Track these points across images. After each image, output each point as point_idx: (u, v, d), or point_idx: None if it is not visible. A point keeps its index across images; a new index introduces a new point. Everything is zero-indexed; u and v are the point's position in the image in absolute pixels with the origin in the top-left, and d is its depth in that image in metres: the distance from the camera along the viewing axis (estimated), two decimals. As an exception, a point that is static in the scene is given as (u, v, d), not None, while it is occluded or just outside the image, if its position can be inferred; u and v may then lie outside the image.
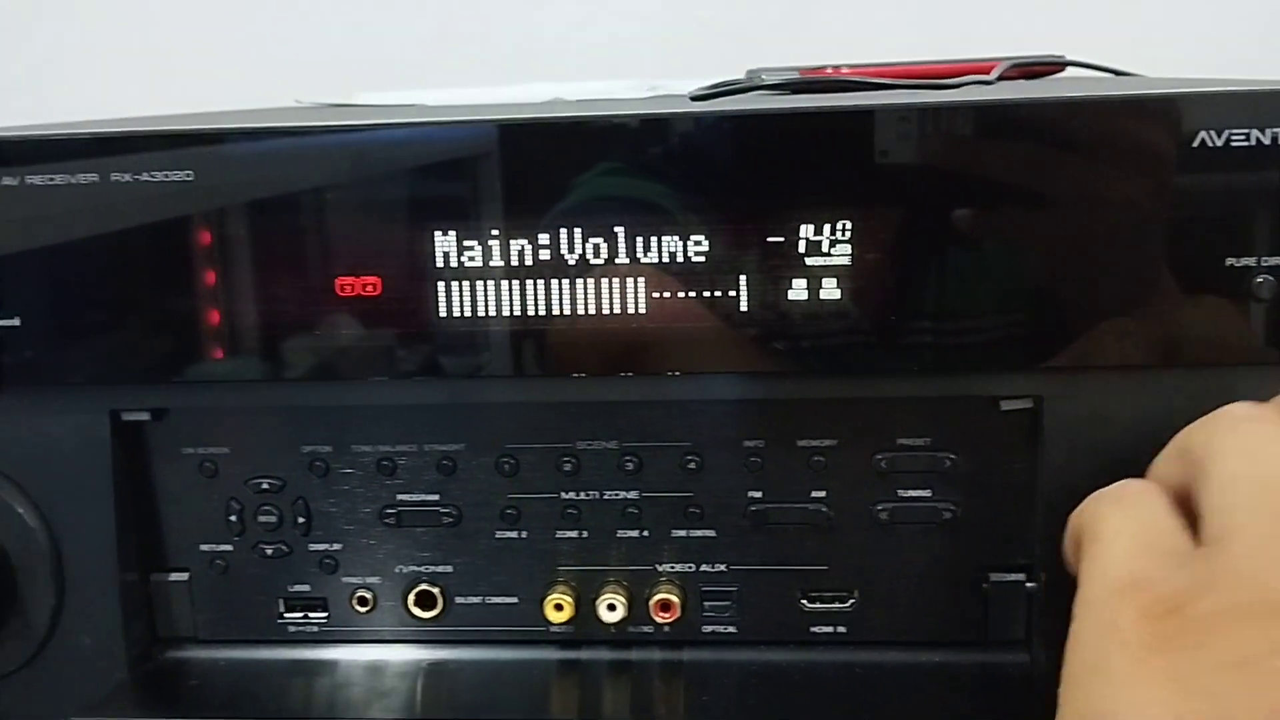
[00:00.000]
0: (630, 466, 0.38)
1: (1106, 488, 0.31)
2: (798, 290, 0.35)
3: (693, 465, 0.38)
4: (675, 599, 0.39)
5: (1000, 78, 0.60)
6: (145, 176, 0.36)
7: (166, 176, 0.36)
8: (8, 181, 0.36)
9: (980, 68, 0.65)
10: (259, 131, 0.36)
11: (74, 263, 0.36)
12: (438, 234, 0.35)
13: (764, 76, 0.64)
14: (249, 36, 1.18)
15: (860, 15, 1.24)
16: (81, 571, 0.39)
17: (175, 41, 1.14)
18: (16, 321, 0.37)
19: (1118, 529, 0.28)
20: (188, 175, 0.36)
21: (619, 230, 0.35)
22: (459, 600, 0.40)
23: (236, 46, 1.19)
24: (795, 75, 0.64)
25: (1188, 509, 0.28)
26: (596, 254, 0.35)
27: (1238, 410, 0.29)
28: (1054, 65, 0.70)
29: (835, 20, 1.24)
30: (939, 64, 0.66)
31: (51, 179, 0.36)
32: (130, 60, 1.14)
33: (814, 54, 1.18)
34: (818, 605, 0.39)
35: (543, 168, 0.35)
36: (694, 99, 0.58)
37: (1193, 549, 0.27)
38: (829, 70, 0.66)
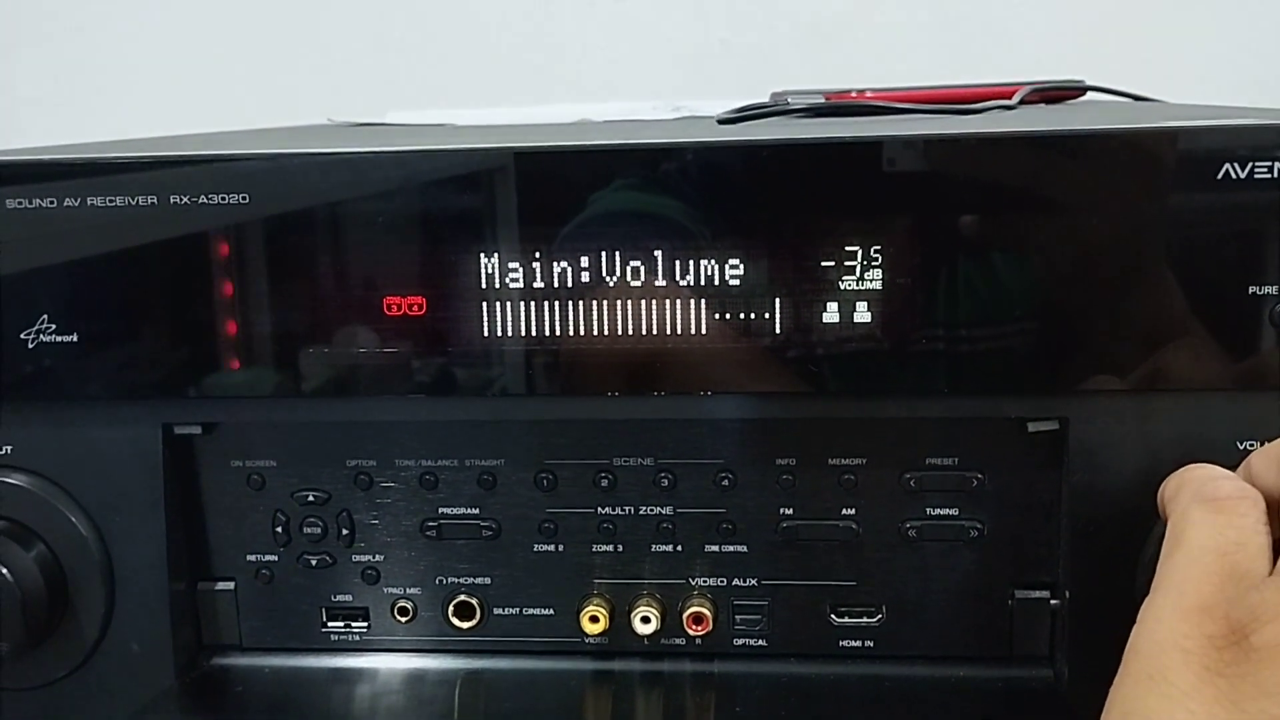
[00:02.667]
0: (665, 483, 0.39)
1: (1207, 475, 0.32)
2: (830, 313, 0.36)
3: (726, 482, 0.39)
4: (707, 612, 0.40)
5: (1022, 102, 0.61)
6: (203, 199, 0.37)
7: (223, 200, 0.37)
8: (69, 203, 0.37)
9: (1001, 92, 0.66)
10: (314, 156, 0.37)
11: (130, 282, 0.38)
12: (482, 256, 0.37)
13: (790, 100, 0.65)
14: (278, 55, 1.20)
15: (874, 37, 1.25)
16: (131, 580, 0.40)
17: (199, 60, 1.16)
18: (74, 338, 0.38)
19: (1203, 545, 0.29)
20: (244, 198, 0.37)
21: (658, 254, 0.36)
22: (497, 611, 0.41)
23: (266, 66, 1.21)
24: (820, 99, 0.65)
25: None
26: (635, 276, 0.36)
27: None
28: (1075, 90, 0.71)
29: (851, 42, 1.25)
30: (961, 88, 0.68)
31: (112, 200, 0.37)
32: (155, 78, 1.16)
33: (831, 74, 1.20)
34: (846, 620, 0.40)
35: (584, 192, 0.36)
36: (721, 122, 0.60)
37: (1266, 573, 0.28)
38: (853, 94, 0.67)
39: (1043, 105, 0.66)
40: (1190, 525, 0.30)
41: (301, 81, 1.18)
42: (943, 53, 1.26)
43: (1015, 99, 0.63)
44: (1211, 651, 0.27)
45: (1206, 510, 0.30)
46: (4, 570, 0.38)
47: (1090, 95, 0.72)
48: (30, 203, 0.37)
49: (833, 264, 0.36)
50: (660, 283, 0.36)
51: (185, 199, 0.37)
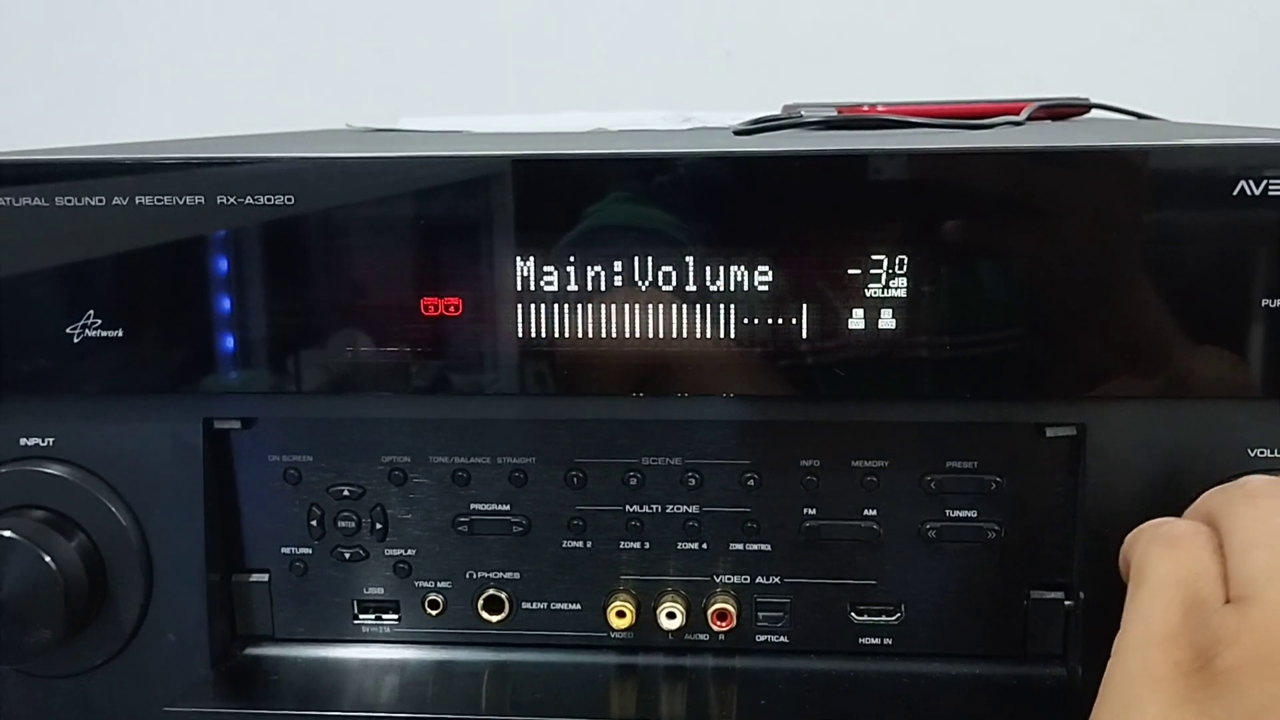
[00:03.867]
0: (692, 482, 0.41)
1: (1161, 522, 0.33)
2: (854, 320, 0.37)
3: (751, 482, 0.40)
4: (731, 609, 0.41)
5: (1030, 118, 0.63)
6: (249, 200, 0.38)
7: (269, 200, 0.38)
8: (118, 201, 0.38)
9: (1008, 108, 0.68)
10: (360, 159, 0.38)
11: (175, 279, 0.39)
12: (518, 259, 0.38)
13: (803, 112, 0.66)
14: (288, 60, 1.21)
15: (877, 50, 1.27)
16: (169, 570, 0.41)
17: (206, 66, 1.17)
18: (120, 333, 0.39)
19: (1164, 578, 0.31)
20: (289, 199, 0.38)
21: (689, 260, 0.37)
22: (525, 606, 0.42)
23: (277, 72, 1.22)
24: (833, 112, 0.67)
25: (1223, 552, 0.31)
26: (666, 281, 0.38)
27: (1255, 484, 0.33)
28: (1080, 107, 0.73)
29: (854, 54, 1.27)
30: (969, 104, 0.69)
31: (160, 200, 0.38)
32: (178, 79, 1.17)
33: (834, 85, 1.21)
34: (866, 618, 0.41)
35: (615, 200, 0.37)
36: (737, 134, 0.61)
37: (1223, 601, 0.30)
38: (865, 108, 0.69)
39: (1049, 121, 0.68)
40: (1150, 563, 0.32)
41: (308, 88, 1.19)
42: (943, 66, 1.28)
43: (1023, 115, 0.64)
44: (1180, 678, 0.29)
45: (1164, 547, 0.32)
46: (48, 559, 0.39)
47: (1094, 112, 0.73)
48: (79, 200, 0.38)
49: (857, 272, 0.37)
50: (691, 287, 0.37)
51: (232, 199, 0.38)
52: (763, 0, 1.29)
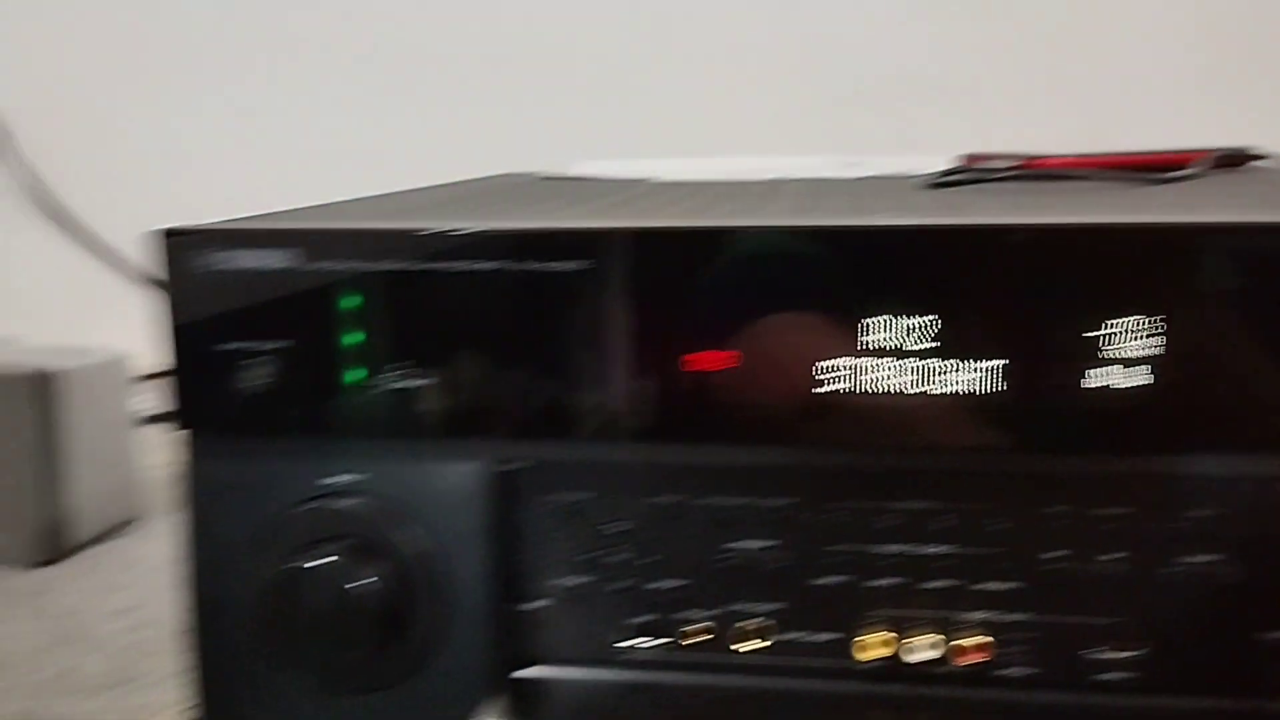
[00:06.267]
0: (945, 525, 0.44)
1: None
2: (1102, 379, 0.40)
3: (1002, 526, 0.44)
4: (979, 644, 0.44)
5: (1205, 169, 0.65)
6: (551, 265, 0.42)
7: (563, 266, 0.42)
8: (427, 267, 0.43)
9: (1179, 158, 0.71)
10: (647, 231, 0.42)
11: (478, 336, 0.43)
12: (787, 317, 0.41)
13: (988, 164, 0.69)
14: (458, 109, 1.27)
15: (999, 96, 1.30)
16: (460, 598, 0.45)
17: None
18: (427, 383, 0.44)
19: None
20: (589, 264, 0.42)
21: (944, 319, 0.41)
22: (781, 637, 0.45)
23: (449, 120, 1.28)
24: (1017, 164, 0.70)
25: None
26: (920, 340, 0.41)
27: None
28: (1248, 157, 0.75)
29: (975, 98, 1.29)
30: (1143, 154, 0.72)
31: (464, 265, 0.43)
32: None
33: (956, 128, 1.24)
34: (1109, 654, 0.44)
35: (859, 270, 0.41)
36: (929, 186, 0.64)
37: None
38: (1050, 160, 0.72)
39: (1222, 171, 0.70)
40: None
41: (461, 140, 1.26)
42: (1062, 114, 1.30)
43: (1199, 166, 0.67)
44: None
45: None
46: (358, 584, 0.43)
47: (1258, 163, 0.75)
48: (395, 265, 0.43)
49: (1110, 333, 0.40)
50: (940, 344, 0.41)
51: (536, 264, 0.42)
52: (881, 43, 1.32)
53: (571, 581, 0.46)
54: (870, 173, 0.81)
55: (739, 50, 1.34)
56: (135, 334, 1.22)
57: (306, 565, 0.43)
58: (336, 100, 1.38)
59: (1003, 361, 0.41)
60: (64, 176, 1.43)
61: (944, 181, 0.65)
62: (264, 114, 1.39)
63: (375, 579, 0.44)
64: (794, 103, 1.34)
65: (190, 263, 0.44)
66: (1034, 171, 0.67)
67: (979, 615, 0.44)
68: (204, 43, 1.40)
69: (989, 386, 0.41)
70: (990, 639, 0.44)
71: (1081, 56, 1.29)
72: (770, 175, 0.77)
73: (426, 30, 1.37)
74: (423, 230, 0.43)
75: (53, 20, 1.41)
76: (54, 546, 0.76)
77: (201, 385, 0.45)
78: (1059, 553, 0.43)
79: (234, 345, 0.44)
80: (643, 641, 0.46)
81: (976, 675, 0.44)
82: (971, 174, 0.66)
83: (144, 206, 1.41)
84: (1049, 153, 0.74)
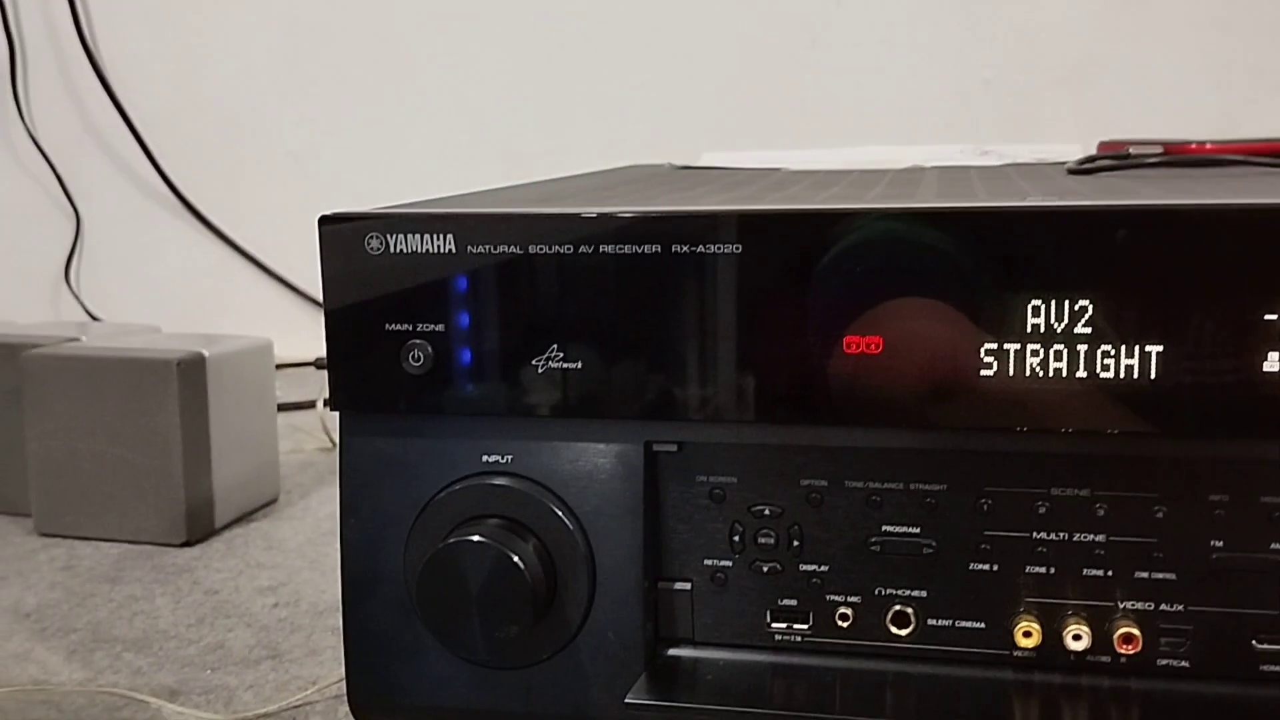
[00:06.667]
0: (1100, 513, 0.43)
1: None
2: (1271, 363, 0.39)
3: (1159, 515, 0.43)
4: (1136, 633, 0.43)
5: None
6: (701, 249, 0.43)
7: (720, 249, 0.43)
8: (584, 250, 0.44)
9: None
10: (802, 213, 0.42)
11: (630, 320, 0.44)
12: (934, 303, 0.41)
13: (1130, 150, 0.68)
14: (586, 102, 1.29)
15: (1136, 79, 1.27)
16: (609, 575, 0.46)
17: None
18: (579, 365, 0.44)
19: None
20: (737, 248, 0.43)
21: (1088, 304, 0.40)
22: (931, 622, 0.45)
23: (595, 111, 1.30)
24: (1159, 150, 0.68)
25: None
26: (1074, 322, 0.41)
27: None
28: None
29: (1112, 83, 1.27)
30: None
31: (621, 248, 0.43)
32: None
33: (1093, 115, 1.22)
34: (1268, 646, 0.43)
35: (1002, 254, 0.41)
36: (1071, 173, 0.63)
37: None
38: (1193, 146, 0.70)
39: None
40: None
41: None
42: (1206, 96, 1.27)
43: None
44: None
45: None
46: (516, 559, 0.44)
47: None
48: (549, 249, 0.44)
49: (1274, 318, 0.39)
50: (1100, 328, 0.40)
51: (686, 248, 0.43)
52: (1019, 30, 1.30)
53: (720, 562, 0.47)
54: (1005, 160, 0.80)
55: (872, 42, 1.33)
56: (264, 322, 1.26)
57: (469, 540, 0.44)
58: (449, 103, 1.41)
59: (1162, 346, 0.40)
60: (197, 177, 1.48)
61: (1087, 167, 0.64)
62: (377, 116, 1.43)
63: (532, 555, 0.45)
64: (928, 92, 1.32)
65: (348, 248, 0.46)
66: (1181, 157, 0.65)
67: (1134, 605, 0.44)
68: (324, 51, 1.43)
69: (1149, 371, 0.40)
70: (1145, 629, 0.43)
71: (1219, 43, 1.26)
72: (905, 164, 0.76)
73: (537, 25, 1.38)
74: (582, 214, 0.44)
75: (186, 38, 1.46)
76: (201, 526, 0.79)
77: (358, 366, 0.46)
78: (1219, 542, 0.42)
79: (390, 327, 0.46)
80: (790, 624, 0.46)
81: (1130, 665, 0.44)
82: (1114, 160, 0.65)
83: (269, 204, 1.46)
84: (1187, 139, 0.72)
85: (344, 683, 0.50)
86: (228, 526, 0.82)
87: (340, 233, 0.46)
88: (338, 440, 0.48)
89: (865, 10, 1.33)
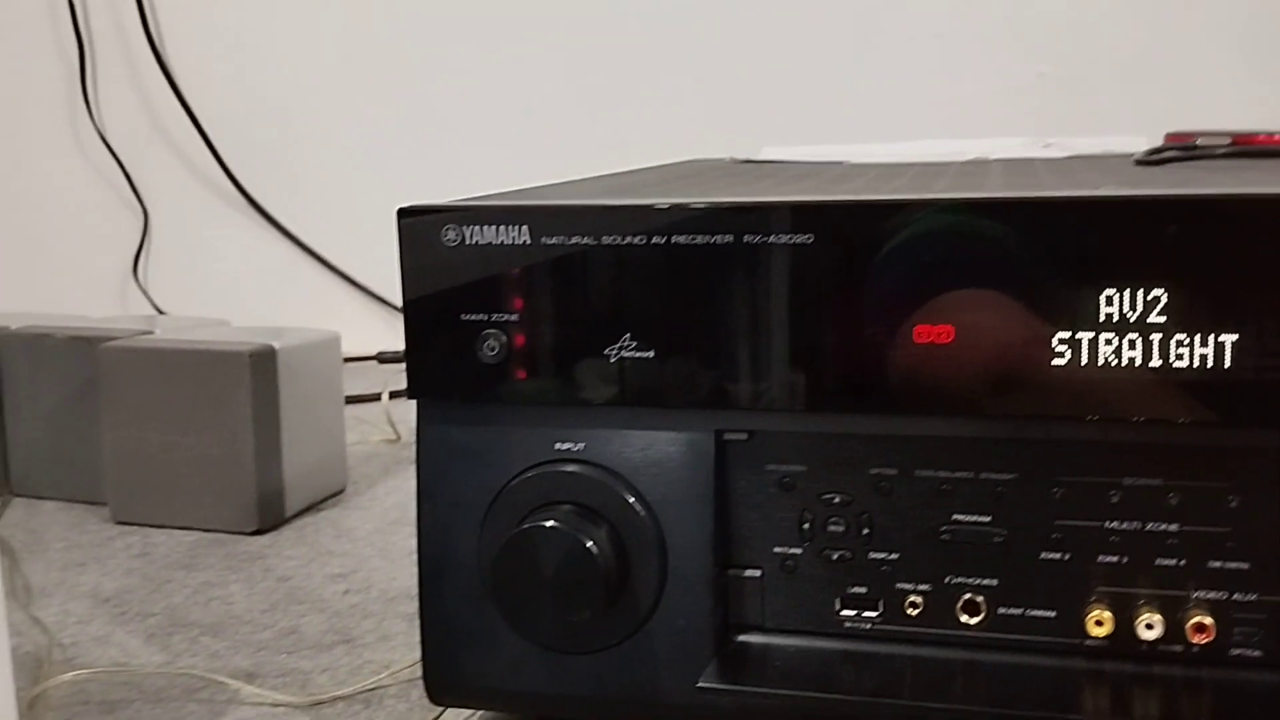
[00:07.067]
0: (1173, 502, 0.43)
1: None
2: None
3: (1232, 504, 0.43)
4: (1209, 623, 0.43)
5: None
6: (772, 239, 0.43)
7: (791, 239, 0.43)
8: (656, 240, 0.44)
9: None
10: (874, 203, 0.43)
11: (702, 310, 0.44)
12: (1004, 294, 0.42)
13: (1198, 142, 0.68)
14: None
15: (1191, 74, 1.25)
16: (680, 562, 0.47)
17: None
18: (651, 354, 0.45)
19: None
20: (809, 238, 0.43)
21: (1161, 293, 0.40)
22: (1002, 611, 0.45)
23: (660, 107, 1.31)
24: (1227, 141, 0.68)
25: None
26: (1148, 312, 0.41)
27: None
28: None
29: (1168, 77, 1.25)
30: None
31: (693, 239, 0.44)
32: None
33: (1147, 108, 1.20)
34: (1344, 638, 0.43)
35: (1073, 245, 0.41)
36: (1139, 164, 0.63)
37: None
38: (1260, 137, 0.69)
39: None
40: None
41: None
42: (1260, 90, 1.25)
43: None
44: None
45: None
46: (591, 545, 0.45)
47: None
48: (622, 239, 0.45)
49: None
50: (1164, 319, 0.40)
51: (757, 238, 0.43)
52: (1073, 22, 1.29)
53: (790, 550, 0.47)
54: (1069, 153, 0.79)
55: (926, 36, 1.33)
56: (327, 317, 1.28)
57: (542, 525, 0.45)
58: (499, 101, 1.42)
59: (1236, 335, 0.40)
60: (260, 175, 1.50)
61: (1155, 158, 0.63)
62: (436, 113, 1.44)
63: (604, 541, 0.46)
64: (982, 86, 1.32)
65: (425, 240, 0.47)
66: (1250, 148, 0.65)
67: (1207, 594, 0.43)
68: (383, 50, 1.45)
69: (1223, 360, 0.40)
70: (1218, 618, 0.43)
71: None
72: (968, 156, 0.76)
73: (593, 22, 1.39)
74: (655, 205, 0.44)
75: (249, 38, 1.49)
76: (272, 515, 0.81)
77: (434, 356, 0.47)
78: (1295, 532, 0.42)
79: (466, 317, 0.47)
80: (859, 611, 0.47)
81: (1203, 655, 0.44)
82: (1182, 151, 0.65)
83: (330, 201, 1.47)
84: (1256, 130, 0.71)
85: (416, 667, 0.51)
86: (297, 515, 0.84)
87: (418, 225, 0.47)
88: (414, 428, 0.49)
89: (918, 4, 1.32)
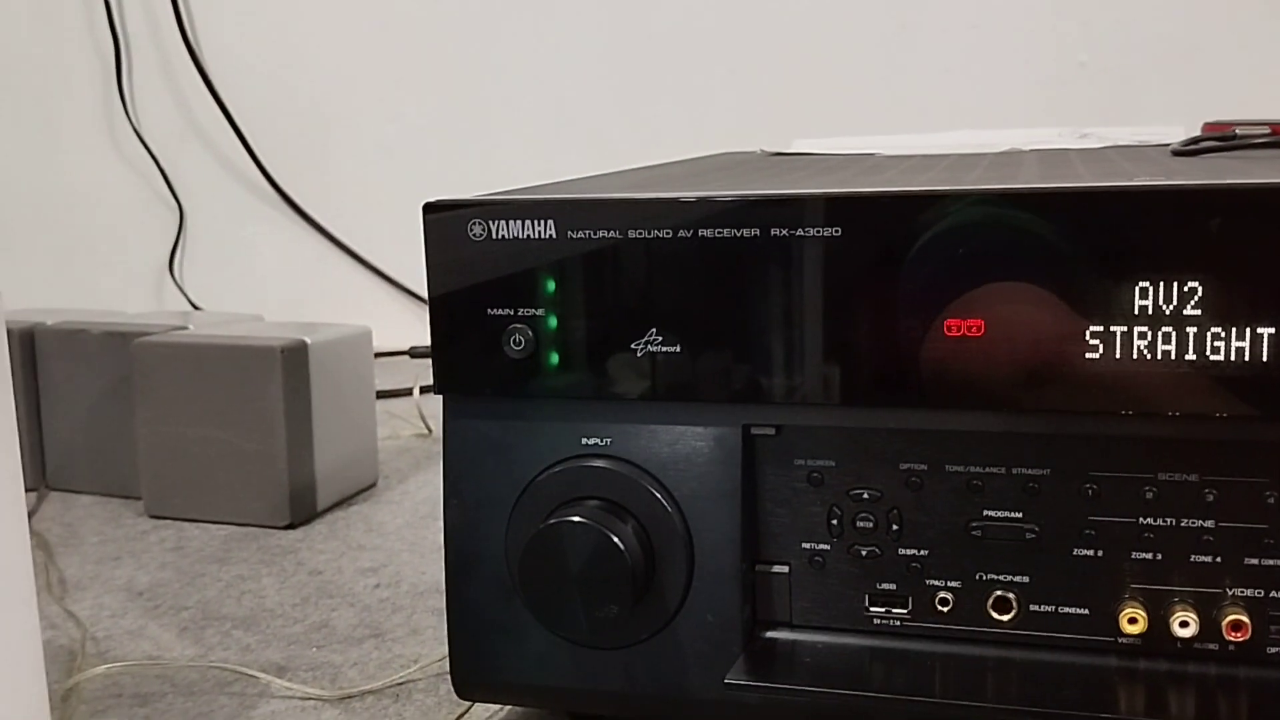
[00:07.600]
0: (1209, 498, 0.42)
1: None
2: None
3: (1270, 500, 0.42)
4: (1245, 620, 0.42)
5: None
6: (800, 232, 0.43)
7: (819, 232, 0.43)
8: (683, 234, 0.44)
9: None
10: (903, 195, 0.42)
11: (729, 304, 0.44)
12: (1038, 287, 0.41)
13: (1236, 131, 0.67)
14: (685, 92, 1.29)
15: (1236, 62, 1.23)
16: (707, 557, 0.46)
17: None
18: (678, 348, 0.45)
19: None
20: (836, 231, 0.43)
21: (1197, 285, 0.39)
22: (1033, 608, 0.45)
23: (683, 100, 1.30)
24: (1266, 130, 0.67)
25: None
26: (1183, 304, 0.40)
27: None
28: None
29: (1211, 65, 1.23)
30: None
31: (721, 232, 0.44)
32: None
33: (1189, 96, 1.19)
34: (1386, 637, 0.42)
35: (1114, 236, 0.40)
36: (1176, 154, 0.62)
37: None
38: (1303, 127, 0.68)
39: None
40: None
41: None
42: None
43: None
44: None
45: None
46: (616, 539, 0.45)
47: None
48: (649, 233, 0.44)
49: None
50: (1201, 311, 0.39)
51: (785, 232, 0.43)
52: (1114, 11, 1.27)
53: (818, 546, 0.47)
54: (1106, 143, 0.78)
55: (961, 26, 1.32)
56: (359, 313, 1.28)
57: (570, 520, 0.44)
58: (525, 95, 1.42)
59: (1273, 328, 0.39)
60: (294, 171, 1.51)
61: (1192, 148, 0.62)
62: (467, 109, 1.44)
63: (631, 537, 0.45)
64: (1020, 76, 1.30)
65: (451, 235, 0.46)
66: (1290, 138, 0.64)
67: (1243, 592, 0.43)
68: (415, 47, 1.45)
69: (1260, 354, 0.39)
70: (1255, 616, 0.43)
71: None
72: (1002, 147, 0.75)
73: (623, 15, 1.39)
74: (681, 199, 0.44)
75: (283, 35, 1.50)
76: (304, 509, 0.81)
77: (461, 351, 0.47)
78: (1334, 529, 0.41)
79: (492, 312, 0.47)
80: (889, 608, 0.46)
81: (1239, 653, 0.43)
82: (1220, 140, 0.64)
83: (363, 198, 1.48)
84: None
85: (445, 661, 0.51)
86: (329, 510, 0.84)
87: (443, 220, 0.47)
88: (441, 423, 0.49)
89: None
